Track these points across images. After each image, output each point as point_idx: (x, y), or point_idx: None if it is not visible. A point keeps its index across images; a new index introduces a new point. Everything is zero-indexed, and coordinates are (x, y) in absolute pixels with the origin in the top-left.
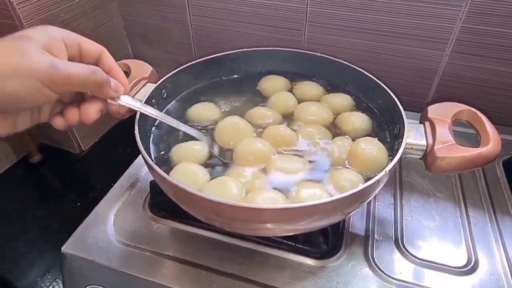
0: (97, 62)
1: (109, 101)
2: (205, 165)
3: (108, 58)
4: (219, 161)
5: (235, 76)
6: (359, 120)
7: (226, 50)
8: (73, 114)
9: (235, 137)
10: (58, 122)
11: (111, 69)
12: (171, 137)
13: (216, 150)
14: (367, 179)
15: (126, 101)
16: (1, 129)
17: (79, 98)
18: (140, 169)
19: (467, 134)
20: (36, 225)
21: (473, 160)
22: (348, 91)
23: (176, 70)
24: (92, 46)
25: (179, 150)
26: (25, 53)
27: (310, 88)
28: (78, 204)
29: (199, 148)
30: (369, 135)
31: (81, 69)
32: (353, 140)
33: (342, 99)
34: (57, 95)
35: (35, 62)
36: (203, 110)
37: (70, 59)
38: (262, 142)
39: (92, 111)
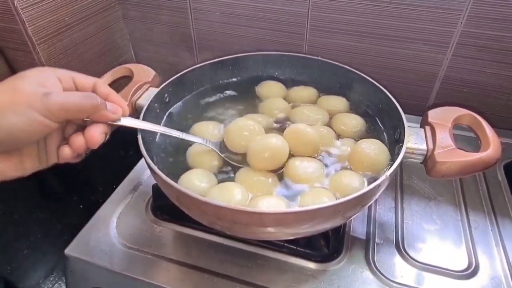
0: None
1: (110, 123)
2: (218, 172)
3: (102, 87)
4: (231, 167)
5: (236, 79)
6: (353, 122)
7: (228, 54)
8: (77, 140)
9: (246, 138)
10: (64, 151)
11: (108, 95)
12: (175, 140)
13: (227, 155)
14: (370, 180)
15: (127, 122)
16: (10, 171)
17: (82, 128)
18: (142, 172)
19: (469, 138)
20: (39, 227)
21: (473, 165)
22: (349, 95)
23: (178, 74)
24: (85, 79)
25: (193, 158)
26: (18, 89)
27: (304, 91)
28: (81, 206)
29: (210, 156)
30: (364, 137)
31: (75, 95)
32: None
33: (337, 101)
34: (56, 124)
35: (29, 94)
36: (205, 128)
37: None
38: (277, 137)
39: (96, 134)
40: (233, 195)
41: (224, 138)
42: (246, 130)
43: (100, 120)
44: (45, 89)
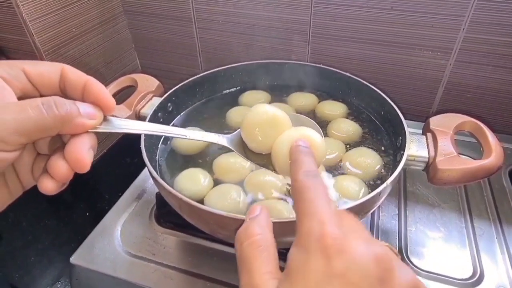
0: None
1: (91, 131)
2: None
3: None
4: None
5: (239, 88)
6: (349, 128)
7: (232, 62)
8: (58, 167)
9: (271, 132)
10: (46, 185)
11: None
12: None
13: (247, 155)
14: (368, 184)
15: (114, 125)
16: None
17: (59, 141)
18: (146, 181)
19: (473, 144)
20: (46, 235)
21: (475, 172)
22: (352, 102)
23: (181, 84)
24: (45, 68)
25: (219, 167)
26: None
27: (302, 98)
28: (87, 214)
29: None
30: (360, 141)
31: (32, 107)
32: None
33: (336, 107)
34: (14, 152)
35: None
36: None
37: (25, 93)
38: (316, 134)
39: (81, 152)
40: (231, 198)
41: (241, 132)
42: (267, 121)
43: (75, 132)
44: None
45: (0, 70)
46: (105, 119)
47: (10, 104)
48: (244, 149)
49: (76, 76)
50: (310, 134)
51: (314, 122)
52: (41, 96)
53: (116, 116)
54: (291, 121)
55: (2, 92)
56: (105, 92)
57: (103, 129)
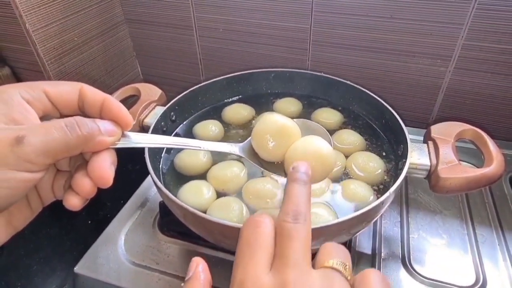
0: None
1: (111, 147)
2: None
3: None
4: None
5: (241, 96)
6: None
7: (233, 70)
8: (83, 184)
9: (281, 142)
10: (71, 201)
11: (104, 101)
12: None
13: (260, 163)
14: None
15: (133, 141)
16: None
17: (80, 158)
18: (149, 189)
19: (473, 150)
20: (49, 243)
21: (477, 180)
22: (352, 110)
23: (184, 93)
24: (65, 88)
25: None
26: None
27: (289, 104)
28: (89, 222)
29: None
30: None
31: (56, 129)
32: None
33: (331, 115)
34: (40, 172)
35: None
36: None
37: (46, 114)
38: (323, 141)
39: (104, 169)
40: (232, 211)
41: (252, 142)
42: (277, 131)
43: (97, 149)
44: (13, 130)
45: (23, 92)
46: (123, 135)
47: (35, 126)
48: (257, 157)
49: (94, 94)
50: (321, 145)
51: (325, 129)
52: (61, 115)
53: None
54: (301, 128)
55: (27, 115)
56: (123, 109)
57: (122, 144)
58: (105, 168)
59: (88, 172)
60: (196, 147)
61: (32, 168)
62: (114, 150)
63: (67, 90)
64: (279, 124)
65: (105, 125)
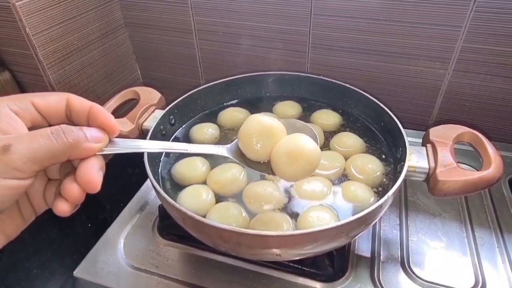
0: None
1: (99, 153)
2: None
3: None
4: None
5: (240, 100)
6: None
7: (232, 73)
8: (71, 189)
9: (268, 141)
10: (60, 208)
11: (91, 109)
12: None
13: (247, 163)
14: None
15: (119, 146)
16: None
17: (70, 166)
18: (149, 192)
19: (471, 152)
20: (48, 247)
21: (475, 183)
22: (351, 113)
23: (183, 96)
24: (52, 98)
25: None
26: None
27: (288, 107)
28: (89, 225)
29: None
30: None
31: (42, 136)
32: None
33: (330, 116)
34: (28, 179)
35: None
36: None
37: (34, 124)
38: (307, 138)
39: (92, 174)
40: (231, 215)
41: (238, 143)
42: (262, 132)
43: (84, 156)
44: (0, 137)
45: (11, 104)
46: (110, 141)
47: (22, 135)
48: (244, 158)
49: (80, 103)
50: (304, 142)
51: (310, 127)
52: (50, 124)
53: (121, 136)
54: (287, 127)
55: (14, 125)
56: (108, 116)
57: (109, 150)
58: (92, 174)
59: (76, 177)
60: (183, 150)
61: (19, 175)
62: (102, 156)
63: (54, 100)
64: (263, 124)
65: (91, 132)
